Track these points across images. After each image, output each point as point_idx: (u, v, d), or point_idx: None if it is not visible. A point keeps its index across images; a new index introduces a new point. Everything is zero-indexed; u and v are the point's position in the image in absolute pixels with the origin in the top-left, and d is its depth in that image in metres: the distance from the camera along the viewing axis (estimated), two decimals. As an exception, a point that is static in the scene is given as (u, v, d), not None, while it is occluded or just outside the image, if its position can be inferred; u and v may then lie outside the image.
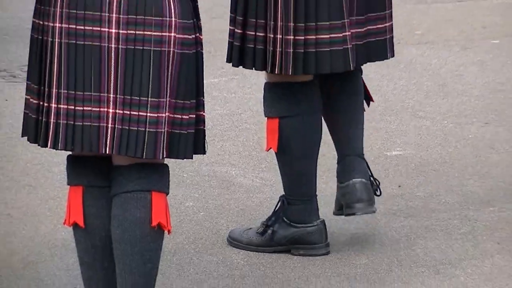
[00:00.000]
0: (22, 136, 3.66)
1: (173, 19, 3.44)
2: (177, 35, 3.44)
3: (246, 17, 4.56)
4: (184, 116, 3.49)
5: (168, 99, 3.45)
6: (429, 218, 5.20)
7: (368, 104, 4.81)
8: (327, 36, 4.45)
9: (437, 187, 5.44)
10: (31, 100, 3.56)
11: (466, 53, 8.55)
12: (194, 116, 3.56)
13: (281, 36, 4.44)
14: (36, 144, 3.53)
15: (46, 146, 3.45)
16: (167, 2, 3.44)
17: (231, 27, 4.69)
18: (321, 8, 4.49)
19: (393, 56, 4.77)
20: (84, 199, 3.51)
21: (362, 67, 4.67)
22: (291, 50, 4.43)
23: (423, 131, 6.40)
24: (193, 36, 3.52)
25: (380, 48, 4.69)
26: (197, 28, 3.57)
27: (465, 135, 6.34)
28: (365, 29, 4.60)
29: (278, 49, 4.48)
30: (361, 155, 4.65)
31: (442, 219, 5.11)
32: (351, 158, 4.64)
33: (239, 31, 4.58)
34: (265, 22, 4.52)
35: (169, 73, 3.46)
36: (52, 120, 3.43)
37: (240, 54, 4.60)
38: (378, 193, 4.74)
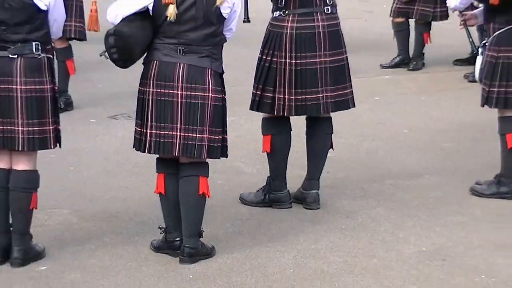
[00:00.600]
0: (133, 147, 5.89)
1: (210, 87, 5.57)
2: (212, 95, 5.60)
3: (263, 85, 6.76)
4: (216, 137, 5.68)
5: (208, 127, 5.57)
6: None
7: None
8: (309, 96, 6.71)
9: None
10: (137, 128, 5.78)
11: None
12: (220, 137, 5.74)
13: (283, 96, 6.69)
14: (139, 151, 5.83)
15: (144, 152, 5.73)
16: (207, 77, 5.57)
17: (253, 90, 6.95)
18: (306, 82, 6.71)
19: (354, 107, 7.08)
20: (165, 180, 5.72)
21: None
22: (293, 104, 6.68)
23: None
24: (221, 96, 5.73)
25: (345, 103, 6.94)
26: (223, 91, 5.80)
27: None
28: (335, 93, 6.78)
29: (281, 103, 6.73)
30: (318, 178, 7.01)
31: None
32: (312, 181, 6.99)
33: (258, 92, 6.80)
34: (274, 89, 6.74)
35: (208, 115, 5.60)
36: (148, 139, 5.64)
37: (258, 105, 6.86)
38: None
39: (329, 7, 6.88)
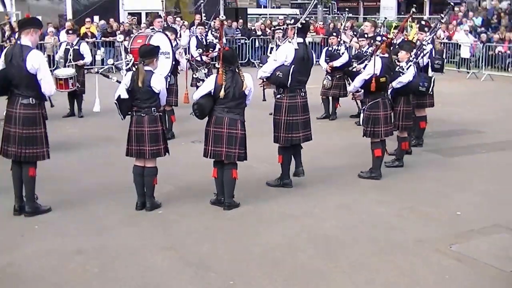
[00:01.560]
0: (203, 156, 9.07)
1: (239, 127, 8.89)
2: (239, 132, 8.86)
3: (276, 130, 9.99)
4: (241, 151, 8.94)
5: (237, 146, 8.88)
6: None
7: None
8: (296, 134, 9.91)
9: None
10: (205, 147, 8.91)
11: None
12: (243, 151, 9.00)
13: (286, 135, 9.90)
14: (205, 157, 8.98)
15: (207, 157, 8.98)
16: (238, 124, 8.86)
17: (275, 133, 10.05)
18: (295, 127, 9.90)
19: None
20: (217, 170, 9.01)
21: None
22: (290, 139, 9.92)
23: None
24: (244, 132, 8.97)
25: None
26: (244, 130, 9.00)
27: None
28: (304, 133, 9.99)
29: (287, 138, 9.94)
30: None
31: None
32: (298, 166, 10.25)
33: (276, 134, 10.01)
34: (281, 132, 9.87)
35: (238, 141, 8.85)
36: (210, 151, 8.86)
37: (276, 139, 9.98)
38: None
39: (303, 92, 10.05)
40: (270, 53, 12.06)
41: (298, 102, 9.95)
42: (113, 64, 11.22)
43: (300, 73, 9.91)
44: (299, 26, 10.03)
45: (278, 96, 10.00)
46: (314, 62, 10.40)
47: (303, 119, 10.02)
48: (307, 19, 10.72)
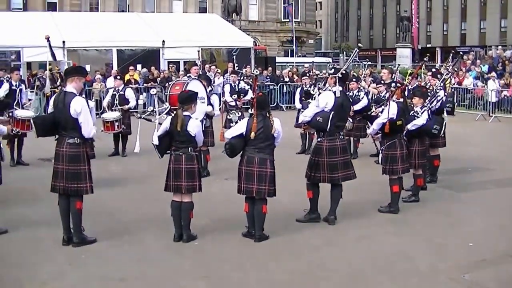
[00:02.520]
0: (237, 192, 9.11)
1: (268, 166, 8.81)
2: (269, 170, 8.79)
3: (309, 170, 9.95)
4: (270, 188, 8.87)
5: (267, 183, 8.81)
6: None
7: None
8: (336, 174, 9.80)
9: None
10: (238, 184, 8.93)
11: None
12: (272, 188, 8.93)
13: (324, 174, 9.85)
14: (239, 193, 9.12)
15: (241, 194, 9.02)
16: (268, 162, 8.81)
17: (307, 172, 10.05)
18: (335, 167, 9.79)
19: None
20: (249, 205, 8.92)
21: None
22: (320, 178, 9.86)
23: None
24: (273, 170, 8.87)
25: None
26: (274, 168, 8.88)
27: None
28: (344, 173, 9.91)
29: (317, 178, 9.88)
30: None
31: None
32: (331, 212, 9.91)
33: (308, 172, 9.98)
34: (314, 171, 9.87)
35: (268, 178, 8.79)
36: (242, 187, 8.86)
37: (308, 177, 9.99)
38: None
39: (341, 136, 9.99)
40: (313, 99, 11.96)
41: (338, 145, 9.92)
42: (153, 110, 11.23)
43: (338, 119, 9.93)
44: (340, 75, 10.10)
45: (319, 139, 10.01)
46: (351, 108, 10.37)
47: (343, 160, 9.97)
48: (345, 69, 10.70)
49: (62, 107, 8.56)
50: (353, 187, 10.41)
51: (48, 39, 9.86)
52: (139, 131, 9.70)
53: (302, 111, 11.62)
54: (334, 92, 9.93)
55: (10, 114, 13.34)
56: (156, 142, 8.94)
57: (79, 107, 8.53)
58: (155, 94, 11.13)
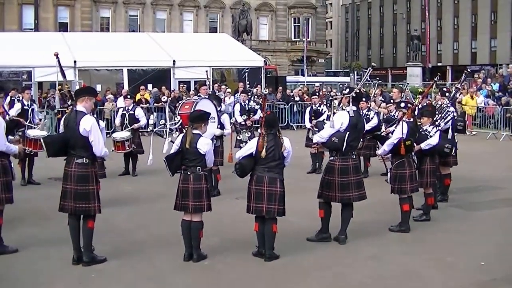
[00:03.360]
0: (246, 212, 9.08)
1: (278, 185, 8.78)
2: (279, 189, 8.76)
3: (321, 188, 9.91)
4: (280, 207, 8.82)
5: (277, 203, 8.77)
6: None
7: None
8: (347, 194, 9.77)
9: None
10: (248, 203, 8.87)
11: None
12: (282, 207, 8.89)
13: (331, 194, 9.83)
14: (248, 213, 9.10)
15: (250, 213, 9.01)
16: (277, 182, 8.79)
17: (319, 190, 9.99)
18: (347, 187, 9.75)
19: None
20: (259, 224, 8.90)
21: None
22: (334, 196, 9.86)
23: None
24: (283, 190, 8.85)
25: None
26: (284, 188, 8.81)
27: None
28: (358, 193, 9.91)
29: (330, 196, 9.86)
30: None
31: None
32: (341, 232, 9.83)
33: (320, 191, 9.93)
34: (326, 190, 9.85)
35: (277, 197, 8.77)
36: (252, 207, 8.89)
37: (319, 195, 10.00)
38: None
39: (354, 155, 9.99)
40: (327, 119, 11.97)
41: (350, 164, 9.89)
42: (164, 124, 11.29)
43: (353, 139, 9.92)
44: (353, 95, 10.11)
45: (331, 158, 9.99)
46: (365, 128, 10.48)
47: (355, 179, 9.93)
48: (360, 88, 10.76)
49: (72, 126, 8.62)
50: (364, 206, 10.40)
51: (57, 56, 9.88)
52: (151, 144, 9.69)
53: (316, 131, 11.58)
54: (348, 112, 9.93)
55: (22, 133, 13.44)
56: (165, 150, 9.16)
57: (88, 125, 8.56)
58: (167, 102, 11.12)
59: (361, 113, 15.01)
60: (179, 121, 11.70)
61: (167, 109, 11.53)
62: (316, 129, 15.12)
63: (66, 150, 8.81)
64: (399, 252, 9.64)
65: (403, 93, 15.85)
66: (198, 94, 15.07)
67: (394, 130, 11.36)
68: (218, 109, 13.71)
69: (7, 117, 12.80)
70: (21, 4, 57.25)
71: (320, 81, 43.79)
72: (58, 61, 9.92)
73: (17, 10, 57.32)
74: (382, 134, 12.54)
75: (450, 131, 12.96)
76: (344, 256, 9.40)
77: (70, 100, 10.91)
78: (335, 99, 16.79)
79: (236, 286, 8.19)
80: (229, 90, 27.76)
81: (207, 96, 14.02)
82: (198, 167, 8.95)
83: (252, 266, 8.89)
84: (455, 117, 13.46)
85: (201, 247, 9.09)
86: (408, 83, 30.93)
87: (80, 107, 8.76)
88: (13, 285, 8.17)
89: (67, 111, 12.29)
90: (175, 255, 9.14)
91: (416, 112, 11.51)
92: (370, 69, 13.59)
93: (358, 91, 10.34)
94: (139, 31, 56.36)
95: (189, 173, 8.92)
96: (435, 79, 13.87)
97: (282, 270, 8.74)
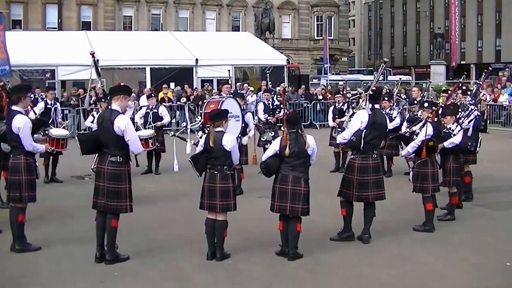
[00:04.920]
0: (270, 210, 9.05)
1: (303, 185, 8.76)
2: (303, 188, 8.74)
3: (343, 187, 9.86)
4: (304, 206, 8.80)
5: (301, 202, 8.74)
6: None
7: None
8: (366, 193, 9.74)
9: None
10: (272, 202, 8.89)
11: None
12: (306, 207, 8.88)
13: (352, 192, 9.77)
14: (272, 211, 9.06)
15: (274, 212, 8.99)
16: (302, 181, 8.75)
17: (340, 189, 9.96)
18: (365, 186, 9.68)
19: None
20: (282, 223, 8.89)
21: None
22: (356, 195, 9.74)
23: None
24: (308, 189, 8.81)
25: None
26: (308, 187, 8.82)
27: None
28: (376, 192, 9.79)
29: (350, 195, 9.81)
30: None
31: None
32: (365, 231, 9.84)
33: (345, 191, 9.84)
34: (346, 189, 9.80)
35: (302, 197, 8.75)
36: (276, 206, 8.78)
37: (339, 194, 9.97)
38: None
39: (375, 154, 9.87)
40: (350, 117, 11.92)
41: (370, 163, 9.81)
42: (186, 126, 11.30)
43: (373, 137, 9.84)
44: (370, 93, 10.11)
45: (352, 156, 9.96)
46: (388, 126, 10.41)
47: (374, 179, 9.85)
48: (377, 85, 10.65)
49: (106, 125, 8.66)
50: (387, 205, 10.36)
51: (93, 55, 9.92)
52: (175, 149, 9.68)
53: (339, 130, 11.51)
54: (367, 110, 9.91)
55: (46, 132, 13.53)
56: (188, 151, 9.17)
57: (123, 124, 8.60)
58: (185, 103, 11.10)
59: (384, 112, 15.04)
60: (200, 121, 11.64)
61: (186, 111, 11.48)
62: (339, 129, 14.98)
63: (99, 148, 8.88)
64: (423, 252, 9.56)
65: (425, 92, 15.66)
66: (220, 93, 15.04)
67: (417, 130, 11.36)
68: (242, 107, 13.70)
69: (32, 115, 12.75)
70: (45, 3, 57.84)
71: (344, 79, 43.45)
72: (94, 60, 9.94)
73: (41, 10, 57.90)
74: (406, 134, 12.33)
75: (471, 129, 12.93)
76: (368, 256, 9.35)
77: (103, 99, 10.88)
78: (354, 99, 16.81)
79: (259, 285, 8.16)
80: (251, 88, 27.69)
81: (231, 95, 14.03)
82: (225, 166, 8.95)
83: (275, 265, 8.84)
84: (478, 116, 13.42)
85: (224, 246, 9.08)
86: (430, 82, 30.66)
87: (115, 106, 8.80)
88: (36, 282, 8.20)
89: (101, 109, 12.31)
90: (198, 254, 9.15)
91: (439, 112, 11.46)
92: (383, 66, 13.61)
93: (374, 88, 10.31)
94: (162, 30, 56.41)
95: (215, 172, 8.92)
96: (461, 79, 13.78)
97: (306, 270, 8.69)
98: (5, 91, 11.42)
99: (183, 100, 12.85)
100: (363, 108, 10.10)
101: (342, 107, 17.03)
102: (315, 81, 47.68)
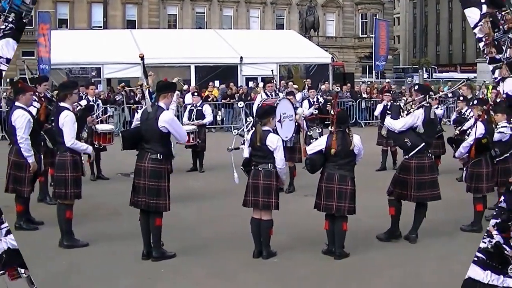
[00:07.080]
0: (313, 208, 9.12)
1: (349, 183, 8.77)
2: (349, 187, 8.76)
3: (392, 186, 9.82)
4: (351, 205, 8.67)
5: (347, 201, 8.63)
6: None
7: None
8: (423, 193, 9.63)
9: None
10: (317, 201, 8.96)
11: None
12: (353, 205, 8.75)
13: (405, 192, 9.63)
14: (316, 209, 9.04)
15: (320, 211, 8.93)
16: (348, 179, 8.66)
17: (389, 187, 9.89)
18: (423, 186, 9.58)
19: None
20: (329, 222, 8.86)
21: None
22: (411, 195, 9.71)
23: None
24: (354, 187, 8.71)
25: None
26: (354, 185, 8.89)
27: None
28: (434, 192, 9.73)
29: (403, 194, 9.74)
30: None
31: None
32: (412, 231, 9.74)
33: (391, 188, 9.84)
34: (397, 188, 9.68)
35: (348, 195, 8.69)
36: (322, 205, 8.75)
37: (389, 194, 9.85)
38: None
39: (429, 153, 9.79)
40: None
41: (426, 163, 9.71)
42: (237, 134, 11.35)
43: (427, 136, 9.78)
44: (415, 88, 10.28)
45: (406, 156, 9.82)
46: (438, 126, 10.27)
47: (430, 179, 9.74)
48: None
49: (151, 121, 8.69)
50: (435, 204, 10.19)
51: (142, 58, 10.03)
52: (233, 162, 9.74)
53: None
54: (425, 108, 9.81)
55: (93, 128, 13.88)
56: (246, 154, 9.15)
57: (167, 117, 8.64)
58: (242, 107, 11.15)
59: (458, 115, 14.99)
60: (251, 121, 11.67)
61: (242, 115, 11.52)
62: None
63: (138, 144, 8.91)
64: (471, 253, 9.27)
65: (479, 90, 15.45)
66: (265, 91, 15.08)
67: (468, 130, 11.35)
68: (294, 105, 13.68)
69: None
70: (91, 2, 58.66)
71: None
72: (143, 63, 10.04)
73: (87, 9, 58.72)
74: (456, 136, 12.19)
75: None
76: (415, 255, 9.28)
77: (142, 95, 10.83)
78: (401, 100, 16.69)
79: (306, 284, 8.15)
80: (296, 86, 27.69)
81: (285, 95, 14.01)
82: (269, 163, 8.91)
83: (321, 264, 8.83)
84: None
85: (270, 244, 9.08)
86: (484, 81, 30.26)
87: (161, 103, 8.84)
88: (84, 278, 8.27)
89: (133, 107, 12.38)
90: (244, 252, 9.14)
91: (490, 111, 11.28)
92: (463, 81, 13.26)
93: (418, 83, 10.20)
94: (206, 28, 56.62)
95: (259, 169, 8.91)
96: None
97: (352, 268, 8.67)
98: (46, 99, 11.54)
99: (240, 104, 12.95)
100: (413, 107, 9.92)
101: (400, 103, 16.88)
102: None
